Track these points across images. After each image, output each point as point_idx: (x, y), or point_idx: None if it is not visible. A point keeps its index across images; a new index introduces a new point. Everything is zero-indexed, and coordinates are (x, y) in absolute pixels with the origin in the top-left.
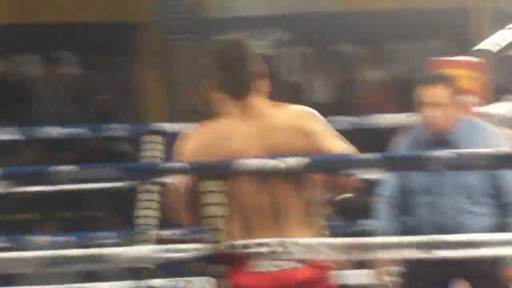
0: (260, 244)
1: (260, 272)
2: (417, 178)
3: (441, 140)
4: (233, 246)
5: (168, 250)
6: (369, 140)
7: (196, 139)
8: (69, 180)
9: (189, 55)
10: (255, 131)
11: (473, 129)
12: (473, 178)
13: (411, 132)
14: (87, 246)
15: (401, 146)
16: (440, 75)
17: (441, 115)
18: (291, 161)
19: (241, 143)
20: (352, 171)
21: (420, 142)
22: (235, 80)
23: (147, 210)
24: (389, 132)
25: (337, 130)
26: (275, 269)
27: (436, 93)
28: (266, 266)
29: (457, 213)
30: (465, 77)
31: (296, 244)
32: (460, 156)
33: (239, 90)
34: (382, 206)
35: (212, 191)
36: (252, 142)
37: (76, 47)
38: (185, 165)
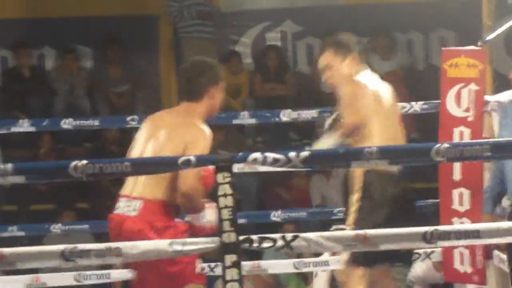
0: (264, 238)
1: (112, 214)
2: None
3: None
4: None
5: (184, 243)
6: None
7: None
8: (84, 175)
9: (201, 48)
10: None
11: None
12: None
13: None
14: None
15: None
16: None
17: None
18: (292, 155)
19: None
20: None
21: None
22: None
23: None
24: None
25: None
26: (116, 212)
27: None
28: (118, 209)
29: None
30: (473, 66)
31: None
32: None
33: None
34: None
35: (221, 183)
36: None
37: (92, 40)
38: (192, 158)
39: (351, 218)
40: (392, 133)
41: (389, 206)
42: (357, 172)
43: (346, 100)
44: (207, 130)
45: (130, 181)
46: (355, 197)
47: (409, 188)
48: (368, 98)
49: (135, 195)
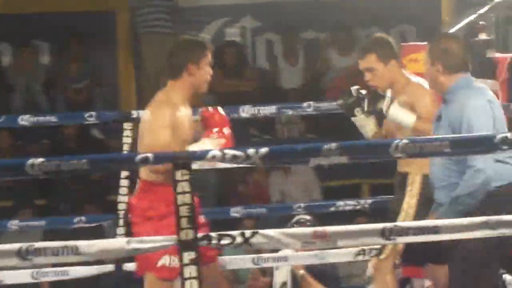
0: (223, 235)
1: None
2: None
3: None
4: (203, 237)
5: (142, 241)
6: (338, 125)
7: None
8: (41, 173)
9: (160, 43)
10: None
11: None
12: None
13: None
14: (63, 234)
15: None
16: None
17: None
18: (251, 152)
19: None
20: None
21: None
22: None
23: (123, 197)
24: None
25: (306, 116)
26: None
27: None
28: None
29: None
30: None
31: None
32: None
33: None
34: None
35: (179, 180)
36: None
37: (50, 35)
38: (149, 155)
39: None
40: None
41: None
42: (417, 176)
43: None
44: (163, 114)
45: None
46: (413, 201)
47: None
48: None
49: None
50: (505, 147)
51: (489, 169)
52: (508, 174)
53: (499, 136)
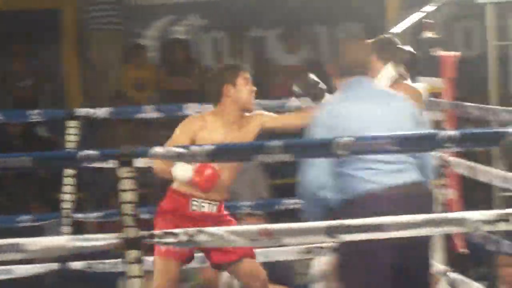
0: (167, 233)
1: None
2: None
3: None
4: (142, 235)
5: (84, 239)
6: None
7: None
8: None
9: (106, 41)
10: None
11: None
12: None
13: None
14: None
15: None
16: None
17: None
18: (195, 149)
19: None
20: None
21: None
22: None
23: (68, 195)
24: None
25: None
26: None
27: None
28: None
29: None
30: None
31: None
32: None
33: None
34: None
35: (123, 178)
36: None
37: None
38: (91, 153)
39: None
40: None
41: None
42: None
43: None
44: (190, 122)
45: None
46: None
47: None
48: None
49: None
50: (448, 145)
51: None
52: (353, 187)
53: (443, 133)
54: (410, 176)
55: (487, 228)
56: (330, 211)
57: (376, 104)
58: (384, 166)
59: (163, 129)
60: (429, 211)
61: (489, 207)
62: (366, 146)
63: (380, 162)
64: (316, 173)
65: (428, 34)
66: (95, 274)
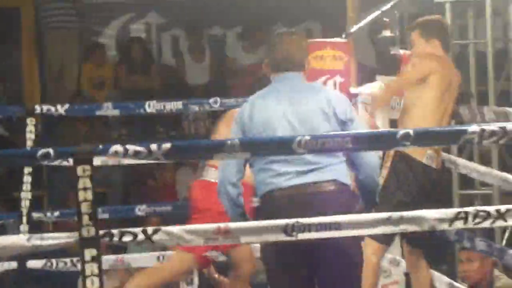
0: (124, 232)
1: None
2: None
3: None
4: (100, 234)
5: (42, 238)
6: None
7: None
8: None
9: (64, 39)
10: None
11: None
12: None
13: None
14: None
15: None
16: None
17: None
18: (154, 147)
19: None
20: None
21: None
22: None
23: (27, 194)
24: None
25: (211, 112)
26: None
27: None
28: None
29: None
30: (338, 58)
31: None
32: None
33: None
34: None
35: (81, 176)
36: None
37: None
38: (50, 151)
39: None
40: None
41: (415, 192)
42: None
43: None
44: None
45: None
46: (384, 172)
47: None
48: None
49: None
50: (407, 143)
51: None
52: (258, 187)
53: (401, 132)
54: (317, 176)
55: (444, 226)
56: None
57: (287, 101)
58: (287, 168)
59: (124, 128)
60: (339, 210)
61: (449, 205)
62: (324, 145)
63: (283, 163)
64: (227, 172)
65: (387, 33)
66: (55, 273)
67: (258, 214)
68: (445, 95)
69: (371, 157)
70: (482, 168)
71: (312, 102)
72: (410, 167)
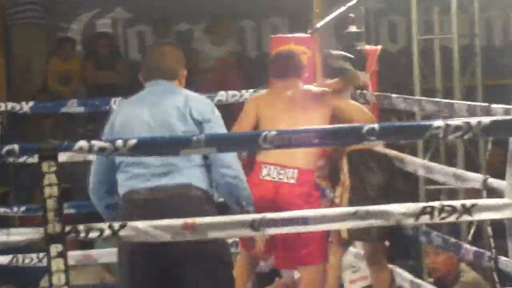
0: (91, 228)
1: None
2: None
3: None
4: (66, 230)
5: (7, 234)
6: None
7: None
8: None
9: (30, 35)
10: None
11: None
12: None
13: None
14: None
15: None
16: None
17: None
18: (119, 143)
19: None
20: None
21: None
22: None
23: None
24: (234, 109)
25: None
26: (266, 178)
27: None
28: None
29: None
30: (302, 53)
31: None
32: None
33: None
34: None
35: (46, 172)
36: None
37: None
38: (15, 146)
39: (345, 198)
40: None
41: (379, 185)
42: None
43: None
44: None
45: (276, 151)
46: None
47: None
48: None
49: (288, 164)
50: (372, 138)
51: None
52: (125, 184)
53: (367, 127)
54: (171, 179)
55: (410, 221)
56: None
57: (147, 106)
58: (141, 170)
59: (91, 123)
60: (192, 213)
61: (416, 200)
62: (290, 140)
63: (139, 165)
64: (92, 178)
65: (353, 29)
66: (20, 269)
67: (120, 214)
68: None
69: (231, 161)
70: (433, 165)
71: (170, 103)
72: (372, 159)
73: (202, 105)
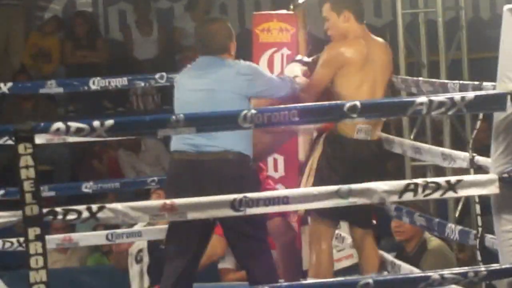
0: (69, 210)
1: None
2: None
3: None
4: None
5: None
6: None
7: None
8: None
9: (9, 16)
10: None
11: None
12: None
13: None
14: None
15: None
16: None
17: None
18: (96, 124)
19: None
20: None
21: None
22: None
23: None
24: None
25: (163, 87)
26: None
27: None
28: None
29: None
30: (285, 30)
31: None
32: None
33: None
34: None
35: (22, 154)
36: None
37: None
38: None
39: (311, 179)
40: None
41: (351, 170)
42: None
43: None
44: None
45: None
46: (314, 157)
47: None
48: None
49: None
50: (354, 115)
51: None
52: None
53: (348, 104)
54: (207, 141)
55: (394, 198)
56: None
57: (198, 78)
58: None
59: (71, 104)
60: (226, 178)
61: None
62: (271, 118)
63: None
64: None
65: None
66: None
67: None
68: (367, 75)
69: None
70: (421, 145)
71: (220, 78)
72: (341, 146)
73: (246, 69)
